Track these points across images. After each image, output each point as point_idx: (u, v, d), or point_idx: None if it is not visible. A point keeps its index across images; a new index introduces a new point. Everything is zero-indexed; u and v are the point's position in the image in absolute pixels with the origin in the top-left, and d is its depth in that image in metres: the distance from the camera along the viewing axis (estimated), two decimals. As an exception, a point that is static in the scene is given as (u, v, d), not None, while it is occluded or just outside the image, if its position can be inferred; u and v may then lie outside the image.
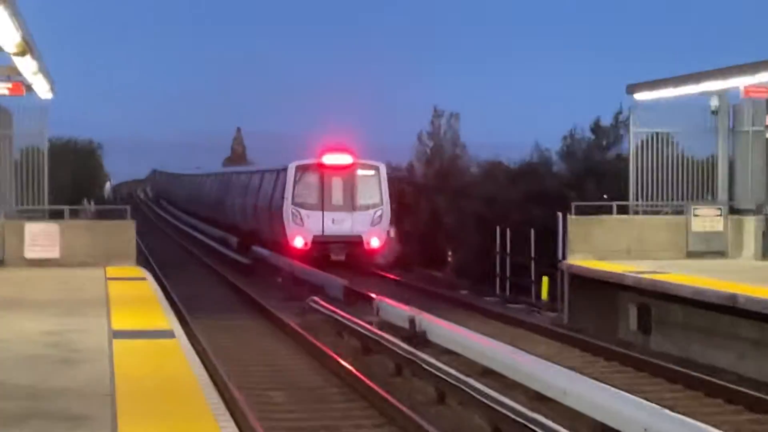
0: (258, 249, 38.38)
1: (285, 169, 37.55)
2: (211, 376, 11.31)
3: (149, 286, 19.36)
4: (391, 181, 39.32)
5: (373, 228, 36.69)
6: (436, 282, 34.27)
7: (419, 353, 16.65)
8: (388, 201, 37.33)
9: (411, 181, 50.98)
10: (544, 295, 26.41)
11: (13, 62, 16.49)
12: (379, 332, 19.04)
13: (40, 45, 16.58)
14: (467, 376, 14.84)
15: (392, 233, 38.66)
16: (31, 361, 11.35)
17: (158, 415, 8.82)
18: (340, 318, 21.71)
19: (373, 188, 37.06)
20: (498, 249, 31.84)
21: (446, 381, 14.85)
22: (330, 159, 37.04)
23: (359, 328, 20.07)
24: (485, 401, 13.44)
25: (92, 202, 60.09)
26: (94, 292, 18.03)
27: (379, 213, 36.93)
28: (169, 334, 13.33)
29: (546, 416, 12.55)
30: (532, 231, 29.70)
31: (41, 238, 22.86)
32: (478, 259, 36.67)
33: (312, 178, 36.84)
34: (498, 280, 31.61)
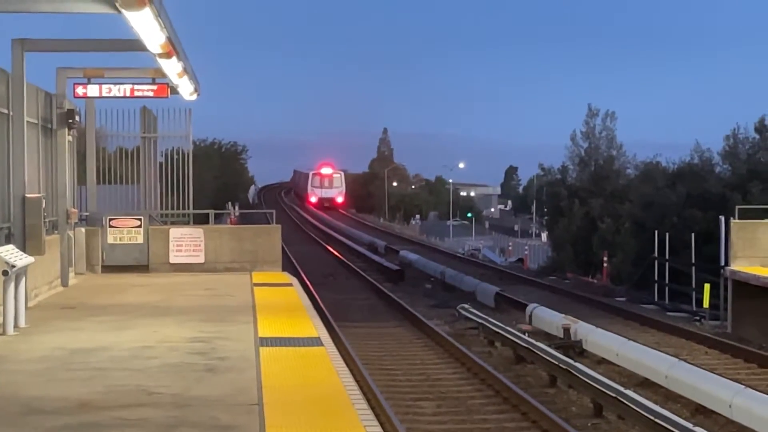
0: (407, 254, 43.63)
1: (308, 173, 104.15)
2: (359, 385, 11.04)
3: (296, 292, 19.20)
4: (347, 175, 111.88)
5: (338, 194, 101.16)
6: (590, 288, 33.63)
7: (575, 363, 16.13)
8: (345, 185, 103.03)
9: (564, 183, 50.18)
10: (706, 303, 25.44)
11: (158, 64, 16.32)
12: (533, 341, 18.53)
13: (185, 46, 16.41)
14: (626, 387, 14.27)
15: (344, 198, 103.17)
16: (177, 368, 11.23)
17: (306, 427, 8.57)
18: (491, 326, 21.27)
19: (339, 180, 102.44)
20: (656, 254, 30.95)
21: (604, 392, 14.29)
22: (322, 170, 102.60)
23: (511, 337, 19.60)
24: (645, 414, 12.87)
25: (236, 206, 61.21)
26: (240, 299, 17.94)
27: (341, 190, 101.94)
28: (316, 341, 13.12)
29: (709, 431, 11.92)
30: (693, 236, 28.78)
31: (186, 242, 22.82)
32: (634, 264, 35.94)
33: (317, 176, 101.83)
34: (656, 286, 30.72)
